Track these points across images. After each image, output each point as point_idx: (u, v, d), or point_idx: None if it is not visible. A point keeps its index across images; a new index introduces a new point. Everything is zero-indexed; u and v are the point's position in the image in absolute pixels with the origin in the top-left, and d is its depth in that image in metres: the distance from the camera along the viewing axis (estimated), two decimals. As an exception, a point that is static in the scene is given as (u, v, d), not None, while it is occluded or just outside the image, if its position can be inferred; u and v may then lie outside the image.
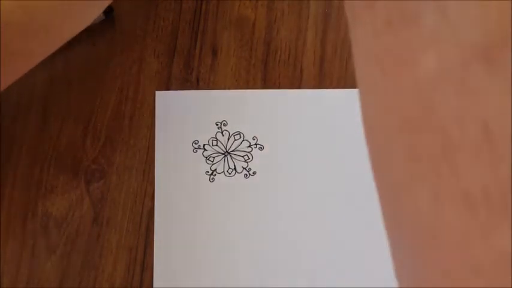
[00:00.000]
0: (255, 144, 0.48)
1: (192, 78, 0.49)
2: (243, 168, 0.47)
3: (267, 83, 0.49)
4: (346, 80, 0.49)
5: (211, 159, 0.47)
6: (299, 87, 0.49)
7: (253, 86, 0.49)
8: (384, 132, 0.20)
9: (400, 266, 0.22)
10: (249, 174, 0.47)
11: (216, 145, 0.48)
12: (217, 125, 0.48)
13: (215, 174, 0.47)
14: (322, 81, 0.49)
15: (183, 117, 0.48)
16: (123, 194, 0.48)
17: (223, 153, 0.48)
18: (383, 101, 0.20)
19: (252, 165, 0.47)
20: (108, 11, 0.49)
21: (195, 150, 0.48)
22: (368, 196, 0.47)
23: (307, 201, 0.47)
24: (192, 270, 0.46)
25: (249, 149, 0.48)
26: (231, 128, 0.48)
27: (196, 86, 0.49)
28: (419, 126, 0.18)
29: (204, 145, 0.48)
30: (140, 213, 0.47)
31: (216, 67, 0.49)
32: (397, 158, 0.20)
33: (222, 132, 0.48)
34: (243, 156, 0.48)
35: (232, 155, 0.48)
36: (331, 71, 0.49)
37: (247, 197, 0.47)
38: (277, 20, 0.50)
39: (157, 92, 0.49)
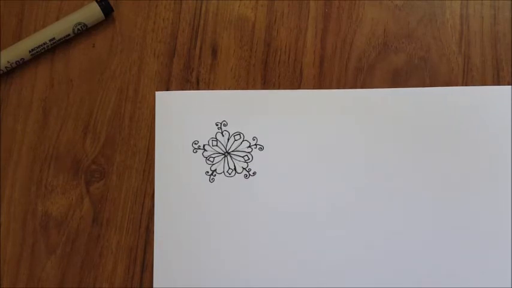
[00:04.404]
0: (255, 144, 0.48)
1: (192, 78, 0.49)
2: (243, 168, 0.47)
3: (267, 83, 0.49)
4: (346, 80, 0.49)
5: (211, 159, 0.48)
6: (299, 87, 0.49)
7: (253, 86, 0.49)
8: None
9: None
10: (249, 174, 0.47)
11: (216, 145, 0.48)
12: (217, 125, 0.48)
13: (215, 175, 0.47)
14: (322, 81, 0.49)
15: (183, 117, 0.48)
16: (123, 194, 0.48)
17: (223, 154, 0.48)
18: None
19: (252, 165, 0.47)
20: (108, 11, 0.49)
21: (195, 151, 0.48)
22: (366, 195, 0.47)
23: (307, 201, 0.47)
24: (192, 270, 0.46)
25: (249, 150, 0.48)
26: (231, 128, 0.48)
27: (196, 86, 0.49)
28: None
29: (204, 145, 0.48)
30: (140, 213, 0.47)
31: (216, 67, 0.49)
32: None
33: (222, 133, 0.48)
34: (243, 157, 0.48)
35: (232, 156, 0.48)
36: (331, 71, 0.49)
37: (247, 197, 0.47)
38: (277, 20, 0.50)
39: (157, 92, 0.49)
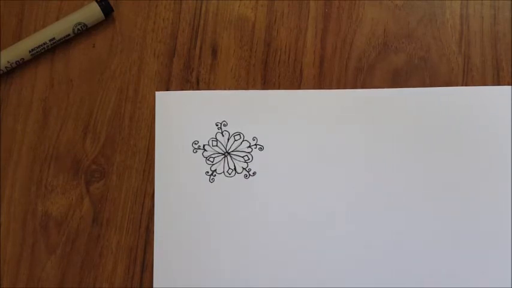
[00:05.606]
0: (255, 144, 0.48)
1: (192, 78, 0.49)
2: (243, 168, 0.47)
3: (267, 83, 0.49)
4: (346, 80, 0.49)
5: (211, 159, 0.48)
6: (299, 87, 0.49)
7: (253, 86, 0.49)
8: None
9: None
10: (249, 174, 0.47)
11: (216, 145, 0.48)
12: (217, 125, 0.48)
13: (215, 175, 0.47)
14: (322, 81, 0.49)
15: (183, 117, 0.48)
16: (123, 194, 0.48)
17: (223, 154, 0.48)
18: None
19: (252, 165, 0.47)
20: (108, 11, 0.49)
21: (195, 151, 0.48)
22: (365, 195, 0.47)
23: (307, 201, 0.47)
24: (192, 270, 0.46)
25: (249, 150, 0.48)
26: (231, 129, 0.48)
27: (196, 86, 0.49)
28: None
29: (204, 145, 0.48)
30: (140, 213, 0.47)
31: (216, 67, 0.49)
32: None
33: (222, 133, 0.48)
34: (243, 157, 0.48)
35: (232, 156, 0.48)
36: (331, 71, 0.49)
37: (247, 197, 0.47)
38: (277, 20, 0.50)
39: (157, 93, 0.49)
